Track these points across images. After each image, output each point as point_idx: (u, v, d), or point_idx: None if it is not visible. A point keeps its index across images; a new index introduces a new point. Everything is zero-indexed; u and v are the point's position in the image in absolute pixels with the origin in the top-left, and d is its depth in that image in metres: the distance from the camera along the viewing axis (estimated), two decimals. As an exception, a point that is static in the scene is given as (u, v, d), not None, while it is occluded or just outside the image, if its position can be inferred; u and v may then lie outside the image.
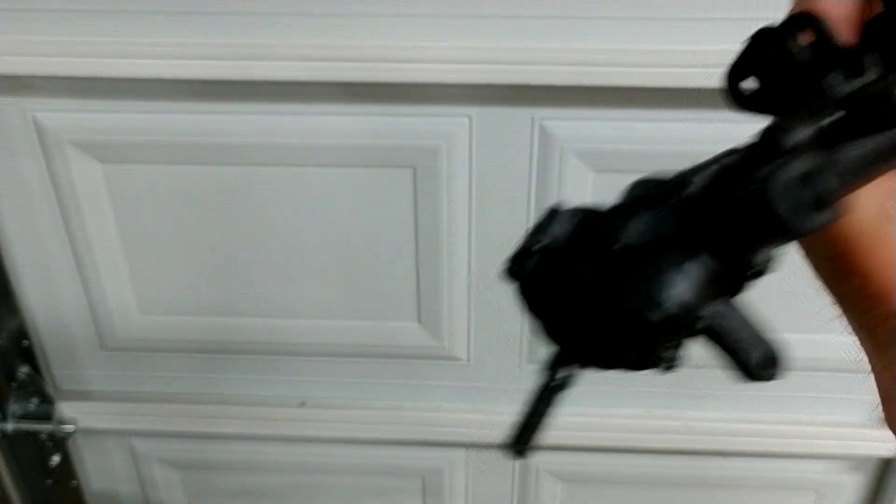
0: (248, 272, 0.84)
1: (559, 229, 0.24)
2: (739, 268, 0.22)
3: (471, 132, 0.74)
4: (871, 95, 0.22)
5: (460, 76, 0.68)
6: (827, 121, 0.21)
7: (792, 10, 0.24)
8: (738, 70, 0.24)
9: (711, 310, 0.22)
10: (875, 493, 0.95)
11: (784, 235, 0.20)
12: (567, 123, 0.73)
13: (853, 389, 0.85)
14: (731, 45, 0.71)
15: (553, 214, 0.24)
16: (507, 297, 0.86)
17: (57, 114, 0.75)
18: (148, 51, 0.69)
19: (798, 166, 0.20)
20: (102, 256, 0.83)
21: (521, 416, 0.26)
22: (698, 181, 0.22)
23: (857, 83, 0.23)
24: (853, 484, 0.95)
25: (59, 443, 0.95)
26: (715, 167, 0.23)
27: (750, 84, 0.25)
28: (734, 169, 0.22)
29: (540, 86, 0.69)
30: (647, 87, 0.68)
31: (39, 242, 0.82)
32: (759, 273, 0.22)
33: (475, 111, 0.73)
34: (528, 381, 0.91)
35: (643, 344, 0.22)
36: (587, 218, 0.24)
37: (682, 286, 0.21)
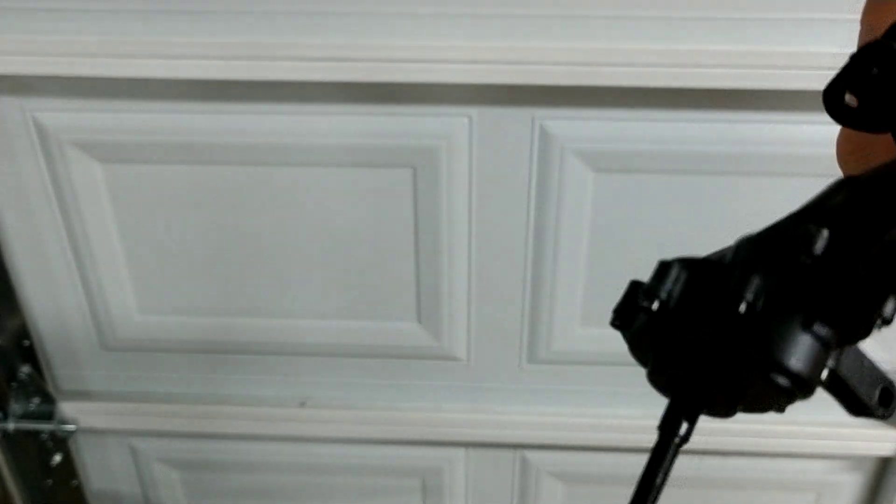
0: (247, 272, 0.84)
1: (672, 287, 0.23)
2: (868, 321, 0.21)
3: (471, 132, 0.74)
4: None
5: (460, 76, 0.69)
6: None
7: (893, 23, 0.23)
8: (838, 86, 0.23)
9: (835, 360, 0.22)
10: (874, 492, 0.95)
11: None
12: (567, 123, 0.73)
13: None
14: (729, 46, 0.71)
15: (665, 269, 0.24)
16: (506, 297, 0.87)
17: (57, 114, 0.75)
18: (148, 51, 0.69)
19: None
20: (102, 256, 0.83)
21: (644, 476, 0.25)
22: (821, 239, 0.21)
23: None
24: (853, 483, 0.95)
25: (60, 442, 0.95)
26: (833, 216, 0.21)
27: (850, 99, 0.24)
28: (860, 222, 0.21)
29: (540, 86, 0.69)
30: (647, 87, 0.68)
31: (40, 242, 0.82)
32: (888, 322, 0.22)
33: (475, 111, 0.73)
34: (527, 380, 0.91)
35: (769, 401, 0.22)
36: (701, 274, 0.23)
37: (811, 348, 0.21)
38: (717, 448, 0.90)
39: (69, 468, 0.98)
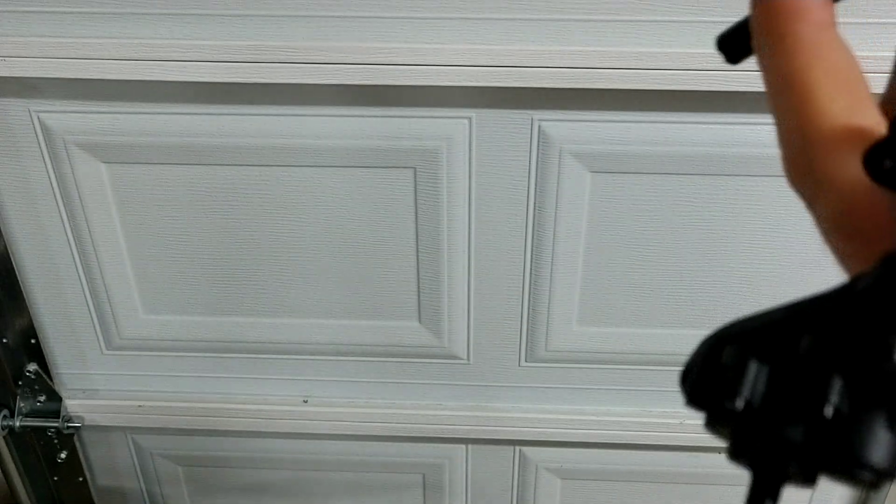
0: (250, 271, 0.85)
1: (755, 385, 0.22)
2: None
3: (470, 133, 0.75)
4: None
5: (460, 79, 0.69)
6: None
7: None
8: (881, 151, 0.23)
9: None
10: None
11: None
12: (565, 125, 0.74)
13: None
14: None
15: (743, 363, 0.22)
16: (505, 296, 0.87)
17: (62, 115, 0.76)
18: (152, 54, 0.69)
19: None
20: (107, 256, 0.84)
21: None
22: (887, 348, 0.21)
23: None
24: (847, 479, 0.96)
25: (66, 439, 0.96)
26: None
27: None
28: None
29: (538, 88, 0.70)
30: (644, 89, 0.69)
31: (45, 242, 0.83)
32: None
33: (475, 113, 0.74)
34: (526, 378, 0.92)
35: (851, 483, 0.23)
36: (781, 370, 0.22)
37: (889, 445, 0.21)
38: (713, 445, 0.91)
39: (75, 464, 0.99)
